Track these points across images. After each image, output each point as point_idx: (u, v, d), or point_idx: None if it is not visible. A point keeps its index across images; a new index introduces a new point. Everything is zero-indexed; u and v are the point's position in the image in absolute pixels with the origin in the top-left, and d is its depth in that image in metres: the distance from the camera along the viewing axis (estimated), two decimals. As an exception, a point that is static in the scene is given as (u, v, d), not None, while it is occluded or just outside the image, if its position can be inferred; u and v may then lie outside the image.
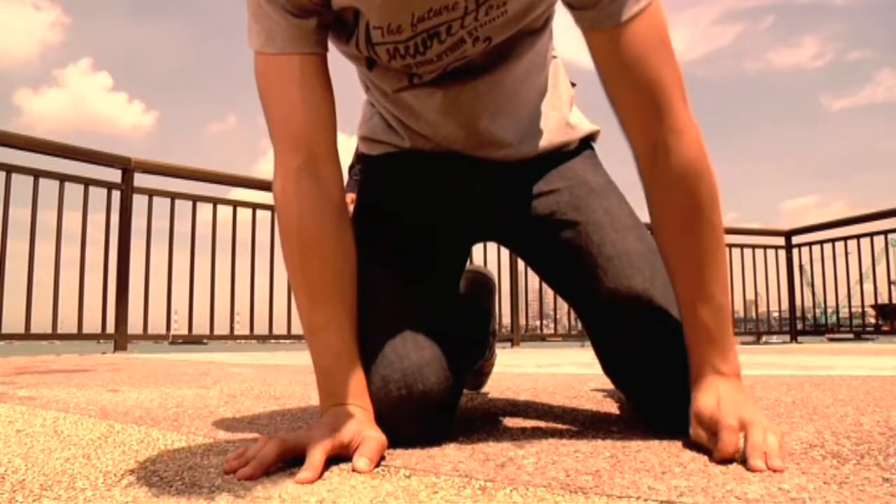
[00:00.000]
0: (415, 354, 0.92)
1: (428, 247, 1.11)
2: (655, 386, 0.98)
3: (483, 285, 1.47)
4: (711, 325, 0.89)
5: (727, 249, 5.69)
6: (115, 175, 4.32)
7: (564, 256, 1.09)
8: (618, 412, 1.25)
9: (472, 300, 1.42)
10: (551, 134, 1.14)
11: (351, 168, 4.41)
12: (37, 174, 4.05)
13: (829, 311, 7.48)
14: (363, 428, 0.83)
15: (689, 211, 0.90)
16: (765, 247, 7.12)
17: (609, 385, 1.72)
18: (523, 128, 1.11)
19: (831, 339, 7.56)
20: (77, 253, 4.20)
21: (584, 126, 1.20)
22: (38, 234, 4.02)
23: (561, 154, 1.15)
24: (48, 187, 4.07)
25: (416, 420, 0.91)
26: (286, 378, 2.11)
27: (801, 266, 7.16)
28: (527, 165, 1.12)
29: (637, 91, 0.88)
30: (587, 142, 1.21)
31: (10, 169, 3.95)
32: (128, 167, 4.31)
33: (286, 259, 0.96)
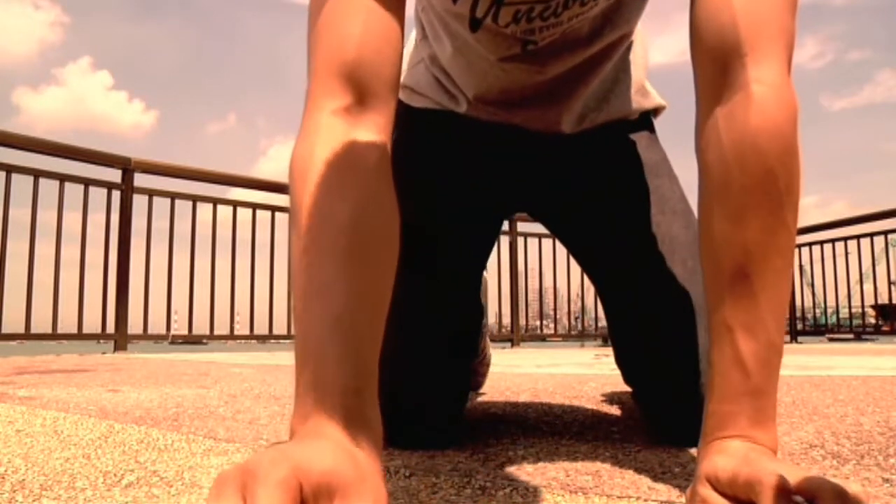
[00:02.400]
0: (428, 375, 0.90)
1: (461, 228, 1.02)
2: (672, 394, 0.91)
3: None
4: (753, 366, 0.59)
5: None
6: (115, 175, 4.31)
7: (603, 234, 1.02)
8: (618, 413, 1.25)
9: None
10: (621, 100, 1.05)
11: None
12: (37, 174, 4.04)
13: (830, 311, 7.49)
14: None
15: (758, 196, 0.60)
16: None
17: (609, 386, 1.72)
18: (598, 97, 1.03)
19: (831, 339, 7.56)
20: (77, 253, 4.20)
21: (654, 96, 1.10)
22: (37, 234, 4.02)
23: (622, 124, 1.06)
24: (48, 187, 4.07)
25: (427, 436, 0.91)
26: (286, 378, 2.11)
27: (800, 266, 7.16)
28: (585, 136, 1.03)
29: (734, 16, 0.62)
30: (648, 115, 1.11)
31: (9, 169, 3.95)
32: (128, 167, 4.30)
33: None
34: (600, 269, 1.06)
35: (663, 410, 0.94)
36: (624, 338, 1.02)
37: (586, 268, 1.10)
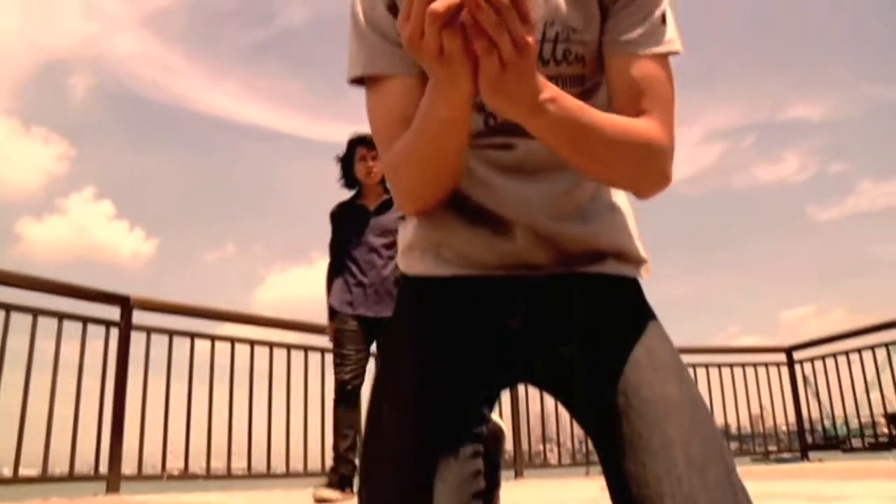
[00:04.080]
0: None
1: (453, 400, 1.02)
2: None
3: (491, 433, 1.42)
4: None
5: (728, 369, 5.47)
6: (113, 312, 4.32)
7: (595, 395, 1.01)
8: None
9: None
10: (605, 225, 1.08)
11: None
12: (35, 312, 4.05)
13: (839, 422, 7.31)
14: None
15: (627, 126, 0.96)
16: (766, 364, 7.04)
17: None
18: (578, 203, 1.06)
19: (845, 451, 7.34)
20: (73, 388, 4.15)
21: (641, 250, 1.12)
22: (33, 371, 3.98)
23: (612, 278, 1.07)
24: (46, 325, 4.06)
25: None
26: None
27: (804, 377, 7.07)
28: (574, 287, 1.05)
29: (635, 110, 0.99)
30: (635, 271, 1.13)
31: (8, 308, 3.96)
32: (126, 304, 4.32)
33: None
34: (593, 431, 1.03)
35: None
36: (618, 494, 1.00)
37: (583, 427, 1.07)
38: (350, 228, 4.18)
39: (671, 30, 1.03)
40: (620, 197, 1.13)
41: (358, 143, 4.25)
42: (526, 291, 1.04)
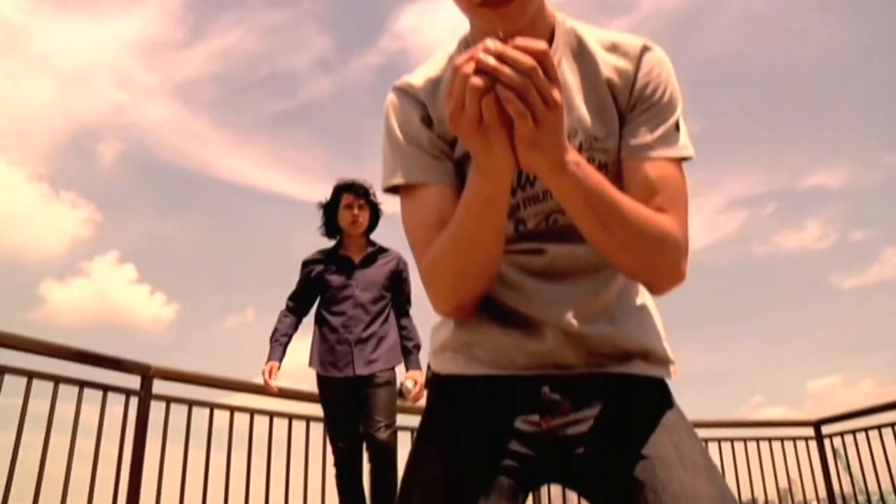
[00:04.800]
0: None
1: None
2: None
3: None
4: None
5: (755, 443, 5.29)
6: (133, 381, 4.31)
7: (625, 493, 1.01)
8: None
9: None
10: (646, 339, 1.10)
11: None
12: (56, 380, 4.05)
13: (874, 497, 7.04)
14: None
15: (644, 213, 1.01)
16: (794, 438, 6.82)
17: None
18: (622, 317, 1.09)
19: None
20: (90, 451, 4.11)
21: (668, 352, 1.14)
22: (52, 433, 3.95)
23: (639, 378, 1.09)
24: (66, 390, 4.05)
25: None
26: None
27: (834, 449, 6.82)
28: (602, 387, 1.06)
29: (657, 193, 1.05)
30: (662, 371, 1.14)
31: (30, 375, 3.95)
32: (147, 374, 4.31)
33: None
34: None
35: None
36: None
37: None
38: (333, 280, 4.00)
39: (684, 136, 1.09)
40: (647, 298, 1.15)
41: (344, 190, 4.10)
42: (555, 391, 1.05)
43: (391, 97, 1.15)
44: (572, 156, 0.91)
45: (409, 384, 3.94)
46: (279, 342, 4.08)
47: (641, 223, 0.99)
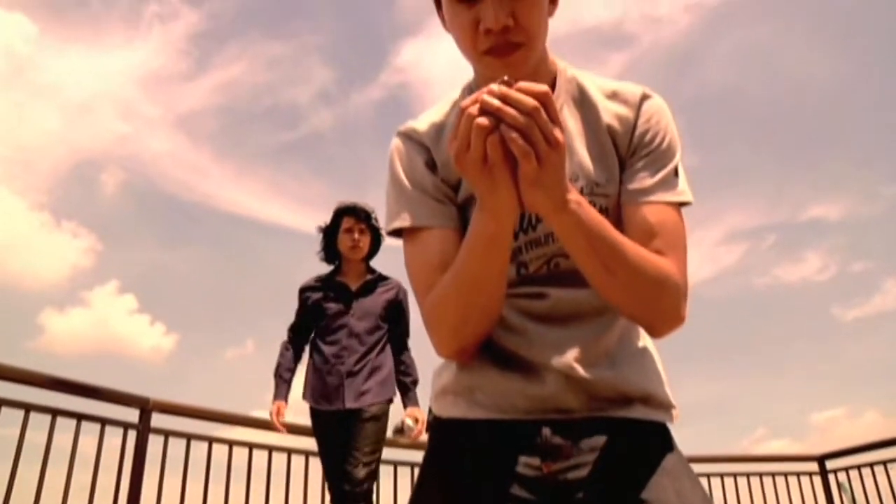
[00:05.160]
0: None
1: None
2: None
3: None
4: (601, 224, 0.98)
5: (757, 478, 5.21)
6: (132, 414, 4.28)
7: None
8: None
9: None
10: (647, 383, 1.10)
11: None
12: (54, 413, 4.02)
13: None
14: None
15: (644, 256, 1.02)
16: (798, 473, 6.74)
17: None
18: (623, 361, 1.09)
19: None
20: (87, 482, 4.06)
21: (670, 397, 1.13)
22: (49, 464, 3.91)
23: (640, 422, 1.08)
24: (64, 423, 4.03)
25: None
26: None
27: (839, 484, 6.73)
28: (603, 431, 1.06)
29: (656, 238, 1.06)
30: (663, 415, 1.14)
31: (28, 407, 3.92)
32: (145, 407, 4.28)
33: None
34: None
35: None
36: None
37: None
38: (329, 308, 3.80)
39: (683, 182, 1.10)
40: (648, 341, 1.15)
41: (345, 213, 3.90)
42: (556, 434, 1.04)
43: (396, 142, 1.17)
44: (574, 195, 0.93)
45: (410, 422, 3.79)
46: (283, 378, 3.89)
47: (642, 265, 1.00)
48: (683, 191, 1.10)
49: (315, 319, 3.84)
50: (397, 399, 3.87)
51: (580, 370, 1.04)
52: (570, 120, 1.11)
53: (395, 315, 3.92)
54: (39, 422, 3.95)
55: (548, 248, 1.08)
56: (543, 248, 1.08)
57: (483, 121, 0.82)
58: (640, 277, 1.00)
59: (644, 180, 1.08)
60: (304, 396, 3.76)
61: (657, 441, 1.08)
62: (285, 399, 3.86)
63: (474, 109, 0.84)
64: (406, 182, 1.12)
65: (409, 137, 1.16)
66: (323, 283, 3.89)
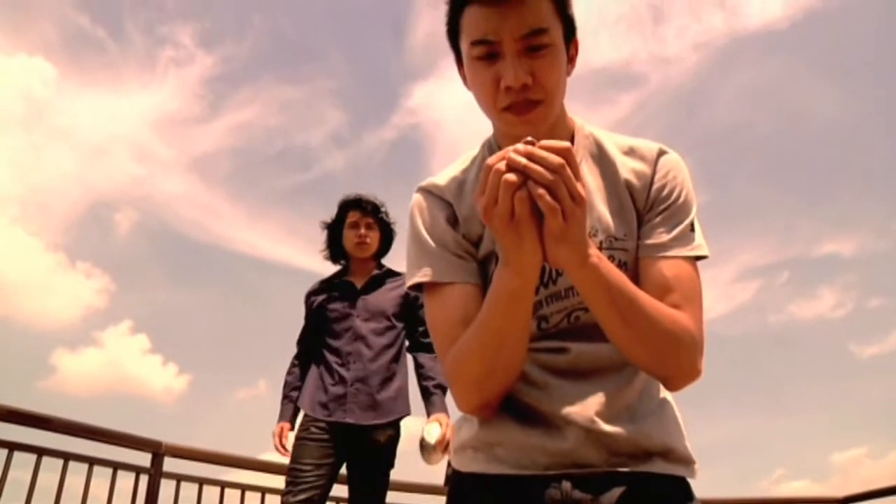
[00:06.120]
0: None
1: None
2: None
3: None
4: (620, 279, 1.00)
5: None
6: (144, 458, 4.26)
7: None
8: None
9: None
10: (667, 438, 1.08)
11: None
12: (66, 457, 4.01)
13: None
14: None
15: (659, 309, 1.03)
16: (819, 518, 6.59)
17: None
18: (643, 416, 1.08)
19: None
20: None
21: (691, 454, 1.11)
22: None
23: (660, 476, 1.06)
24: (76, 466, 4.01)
25: None
26: None
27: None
28: (623, 486, 1.04)
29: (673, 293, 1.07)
30: (685, 473, 1.12)
31: (41, 451, 3.92)
32: (158, 451, 4.26)
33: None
34: None
35: None
36: None
37: None
38: (332, 310, 3.33)
39: (699, 237, 1.12)
40: (667, 394, 1.15)
41: (350, 206, 3.46)
42: (576, 489, 1.04)
43: (417, 197, 1.19)
44: (594, 250, 0.95)
45: (429, 436, 2.94)
46: (289, 398, 3.42)
47: (659, 318, 1.01)
48: (699, 245, 1.11)
49: (321, 324, 3.36)
50: (416, 411, 3.32)
51: (601, 424, 1.04)
52: (589, 176, 1.13)
53: (410, 312, 3.38)
54: (51, 464, 3.95)
55: (568, 301, 1.09)
56: (563, 301, 1.09)
57: (511, 177, 0.85)
58: (657, 331, 1.01)
59: (661, 235, 1.10)
60: (300, 403, 3.31)
61: (678, 495, 1.08)
62: (291, 421, 3.41)
63: (502, 166, 0.86)
64: (428, 238, 1.13)
65: (431, 193, 1.18)
66: (327, 283, 3.47)
